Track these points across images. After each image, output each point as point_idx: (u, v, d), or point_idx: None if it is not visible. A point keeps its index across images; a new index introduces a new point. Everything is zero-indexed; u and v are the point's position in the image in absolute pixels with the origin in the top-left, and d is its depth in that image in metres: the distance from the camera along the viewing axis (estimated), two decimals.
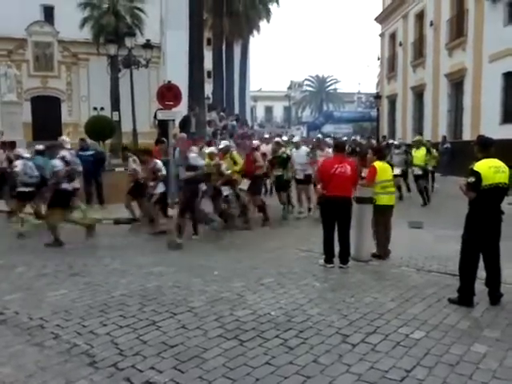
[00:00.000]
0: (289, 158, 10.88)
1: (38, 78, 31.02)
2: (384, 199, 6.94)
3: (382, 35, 30.83)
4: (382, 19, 30.46)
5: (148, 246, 8.23)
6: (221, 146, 10.40)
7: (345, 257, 6.56)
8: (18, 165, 9.11)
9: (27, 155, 9.57)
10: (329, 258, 6.54)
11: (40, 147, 10.30)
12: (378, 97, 28.52)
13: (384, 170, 7.00)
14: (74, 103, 31.86)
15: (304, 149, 11.32)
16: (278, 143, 11.39)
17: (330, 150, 11.52)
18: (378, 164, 7.01)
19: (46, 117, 29.45)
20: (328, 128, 37.42)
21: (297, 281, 5.88)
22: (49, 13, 31.09)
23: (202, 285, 5.66)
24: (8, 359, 3.73)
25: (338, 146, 7.07)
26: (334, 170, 6.48)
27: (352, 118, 42.24)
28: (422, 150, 13.06)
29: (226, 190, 9.47)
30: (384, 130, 28.77)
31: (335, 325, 4.42)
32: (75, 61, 31.84)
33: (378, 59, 32.70)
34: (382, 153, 7.52)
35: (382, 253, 7.02)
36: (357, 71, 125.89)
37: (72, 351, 3.85)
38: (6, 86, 21.13)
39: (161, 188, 9.06)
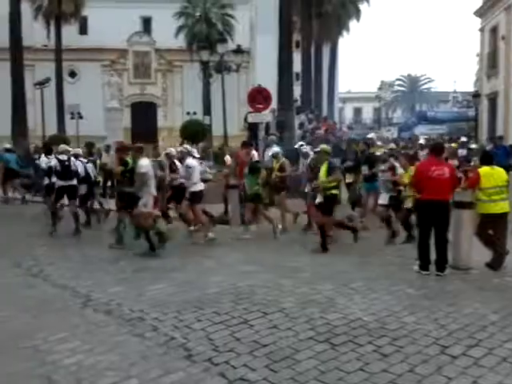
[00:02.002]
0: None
1: (136, 85, 33.13)
2: (493, 207, 6.39)
3: (481, 30, 28.98)
4: (481, 13, 28.60)
5: (236, 245, 8.39)
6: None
7: (442, 264, 6.21)
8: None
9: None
10: (424, 265, 6.24)
11: (7, 146, 14.13)
12: (476, 95, 26.78)
13: (491, 176, 6.49)
14: (169, 108, 33.58)
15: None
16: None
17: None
18: (482, 170, 6.58)
19: (143, 121, 31.35)
20: (421, 129, 35.74)
21: (388, 286, 5.68)
22: (147, 23, 33.10)
23: (291, 286, 5.68)
24: (114, 347, 4.01)
25: (435, 148, 6.73)
26: (432, 172, 6.19)
27: (447, 118, 39.96)
28: None
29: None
30: (483, 130, 26.98)
31: (432, 334, 4.22)
32: (170, 68, 33.59)
33: (477, 56, 30.79)
34: (486, 158, 6.96)
35: (497, 264, 6.43)
36: (452, 69, 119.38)
37: (170, 344, 4.05)
38: (110, 93, 22.89)
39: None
